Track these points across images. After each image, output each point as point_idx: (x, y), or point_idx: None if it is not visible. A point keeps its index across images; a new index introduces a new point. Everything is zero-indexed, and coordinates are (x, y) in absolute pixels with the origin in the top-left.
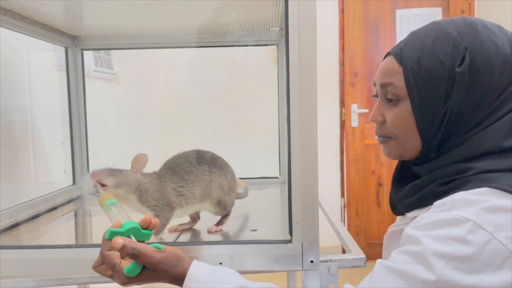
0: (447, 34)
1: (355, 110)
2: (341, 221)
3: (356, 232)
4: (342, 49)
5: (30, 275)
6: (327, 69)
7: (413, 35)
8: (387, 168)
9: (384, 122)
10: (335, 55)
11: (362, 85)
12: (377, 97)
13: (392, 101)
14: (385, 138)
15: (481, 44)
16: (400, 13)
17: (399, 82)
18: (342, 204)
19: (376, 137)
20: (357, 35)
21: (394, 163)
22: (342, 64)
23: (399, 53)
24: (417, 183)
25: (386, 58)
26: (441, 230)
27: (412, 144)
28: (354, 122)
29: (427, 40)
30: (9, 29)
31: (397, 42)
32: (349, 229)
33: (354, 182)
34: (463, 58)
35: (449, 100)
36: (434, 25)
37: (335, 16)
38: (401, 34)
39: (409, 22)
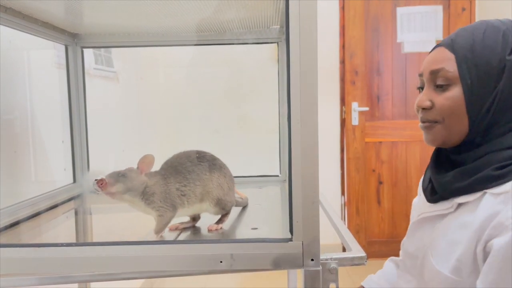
0: (496, 28)
1: (356, 108)
2: (341, 219)
3: (356, 230)
4: (343, 47)
5: (31, 273)
6: (327, 67)
7: (462, 29)
8: (387, 166)
9: (431, 107)
10: (336, 53)
11: (363, 83)
12: (421, 89)
13: (442, 87)
14: (431, 123)
15: None
16: (400, 10)
17: (451, 67)
18: (342, 202)
19: (420, 124)
20: (358, 33)
21: (394, 162)
22: (342, 62)
23: (450, 43)
24: (468, 168)
25: (434, 50)
26: None
27: (459, 128)
28: (355, 120)
29: (477, 33)
30: (9, 27)
31: (397, 40)
32: (349, 227)
33: (354, 180)
34: None
35: (498, 86)
36: (482, 21)
37: (335, 14)
38: (402, 31)
39: (410, 19)
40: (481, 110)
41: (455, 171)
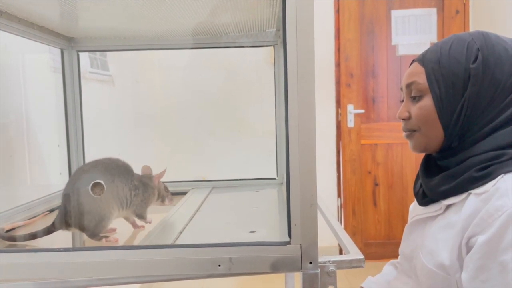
0: (462, 40)
1: (351, 110)
2: (338, 221)
3: (353, 232)
4: (338, 49)
5: (28, 279)
6: (323, 69)
7: (434, 44)
8: (383, 168)
9: (409, 117)
10: (331, 56)
11: (358, 86)
12: (404, 101)
13: (416, 98)
14: (410, 132)
15: (492, 47)
16: (395, 13)
17: (422, 79)
18: (339, 204)
19: (403, 134)
20: (353, 36)
21: (390, 163)
22: (338, 64)
23: (421, 58)
24: (452, 171)
25: (411, 65)
26: None
27: (435, 134)
28: (350, 122)
29: (445, 46)
30: (4, 31)
31: (392, 42)
32: (345, 229)
33: (350, 182)
34: (476, 57)
35: (466, 92)
36: (452, 35)
37: (330, 17)
38: (397, 34)
39: (404, 22)
40: (452, 117)
41: (441, 175)
